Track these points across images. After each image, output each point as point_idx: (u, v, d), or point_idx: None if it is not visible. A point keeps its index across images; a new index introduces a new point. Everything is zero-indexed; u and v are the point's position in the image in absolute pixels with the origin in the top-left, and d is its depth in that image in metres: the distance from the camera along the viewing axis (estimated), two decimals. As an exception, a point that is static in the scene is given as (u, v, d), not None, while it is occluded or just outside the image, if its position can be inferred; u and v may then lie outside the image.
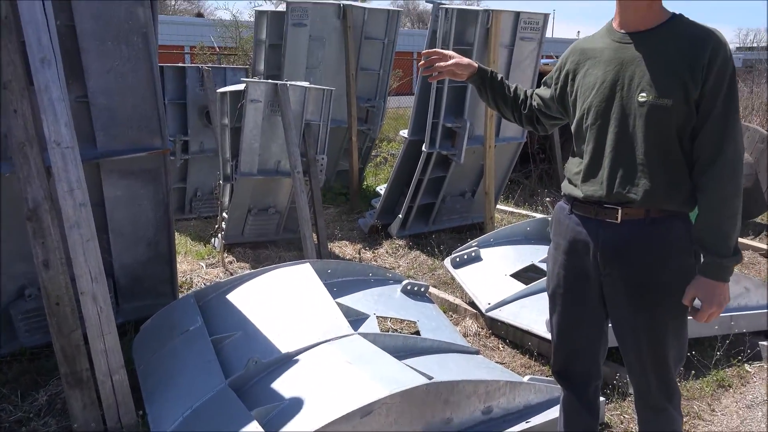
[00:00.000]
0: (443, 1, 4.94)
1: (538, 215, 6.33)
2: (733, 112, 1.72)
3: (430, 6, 5.11)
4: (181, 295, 3.68)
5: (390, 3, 49.78)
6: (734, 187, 1.74)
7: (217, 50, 12.87)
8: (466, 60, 2.15)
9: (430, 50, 2.20)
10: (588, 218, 1.90)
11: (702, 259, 1.79)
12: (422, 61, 2.21)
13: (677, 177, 1.78)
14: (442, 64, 2.14)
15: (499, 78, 2.18)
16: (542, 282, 3.57)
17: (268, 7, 7.17)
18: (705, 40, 1.70)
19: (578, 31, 49.41)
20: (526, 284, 3.63)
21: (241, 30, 12.79)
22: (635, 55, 1.77)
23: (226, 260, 4.88)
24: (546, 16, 5.17)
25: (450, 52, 2.17)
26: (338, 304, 2.94)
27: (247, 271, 3.24)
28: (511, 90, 2.18)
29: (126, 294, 3.48)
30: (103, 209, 3.20)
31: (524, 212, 6.45)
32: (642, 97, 1.74)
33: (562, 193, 2.05)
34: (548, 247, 4.06)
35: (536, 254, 4.00)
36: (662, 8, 1.79)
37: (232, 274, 4.66)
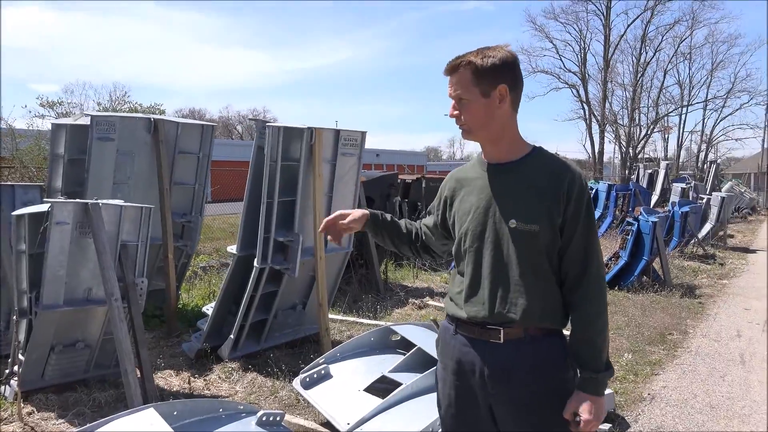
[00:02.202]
0: (267, 120, 5.01)
1: (366, 320, 6.44)
2: (593, 234, 1.93)
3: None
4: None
5: (175, 112, 49.27)
6: (601, 304, 1.92)
7: (-12, 162, 11.34)
8: (359, 212, 2.20)
9: (328, 220, 2.19)
10: (473, 339, 1.97)
11: (578, 375, 1.92)
12: (321, 230, 2.22)
13: (551, 296, 1.93)
14: (342, 222, 2.17)
15: (390, 218, 2.26)
16: (398, 393, 3.58)
17: (68, 119, 6.57)
18: (564, 173, 1.91)
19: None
20: (382, 398, 3.58)
21: (18, 140, 11.47)
22: (504, 185, 1.95)
23: (24, 411, 4.06)
24: (363, 133, 5.52)
25: (341, 212, 2.21)
26: (192, 451, 2.60)
27: (73, 430, 2.73)
28: (403, 227, 2.27)
29: None
30: None
31: (352, 319, 6.50)
32: (512, 223, 1.90)
33: (445, 313, 2.10)
34: (398, 356, 4.11)
35: (384, 364, 4.00)
36: (524, 143, 2.00)
37: (33, 429, 3.90)
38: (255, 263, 4.89)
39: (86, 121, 5.81)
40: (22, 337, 4.39)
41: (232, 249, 5.16)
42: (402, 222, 2.28)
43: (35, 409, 4.15)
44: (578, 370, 1.91)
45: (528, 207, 1.89)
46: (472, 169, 2.07)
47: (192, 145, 6.36)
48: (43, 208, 4.28)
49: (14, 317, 4.32)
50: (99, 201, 4.30)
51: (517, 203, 1.91)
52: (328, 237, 2.21)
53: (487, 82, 1.90)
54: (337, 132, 5.34)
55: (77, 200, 4.36)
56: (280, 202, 4.91)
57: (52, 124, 5.97)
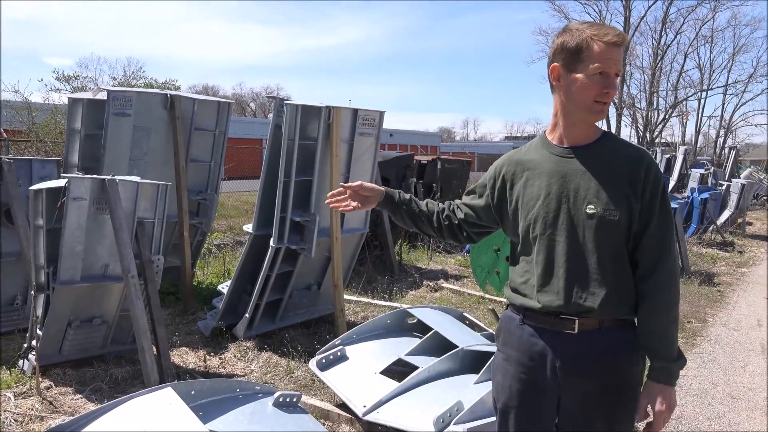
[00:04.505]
0: (286, 98, 4.94)
1: (380, 302, 6.41)
2: (669, 223, 1.85)
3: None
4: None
5: (189, 88, 49.19)
6: (674, 294, 1.84)
7: (5, 136, 11.38)
8: (368, 184, 2.13)
9: (350, 186, 2.13)
10: (544, 329, 1.88)
11: (650, 364, 1.85)
12: (329, 200, 2.15)
13: (627, 284, 1.84)
14: (353, 185, 2.11)
15: (408, 197, 2.17)
16: (415, 377, 3.55)
17: (85, 94, 6.54)
18: (640, 159, 1.83)
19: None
20: (399, 381, 3.56)
21: (35, 114, 11.47)
22: (578, 168, 1.85)
23: (42, 386, 4.09)
24: (381, 113, 5.43)
25: (352, 184, 2.13)
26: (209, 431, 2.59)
27: (93, 407, 2.73)
28: (424, 206, 2.17)
29: None
30: None
31: (366, 300, 6.48)
32: (590, 209, 1.80)
33: (507, 303, 2.02)
34: (415, 340, 4.06)
35: (400, 347, 3.98)
36: (597, 126, 1.91)
37: (51, 403, 3.92)
38: (271, 243, 4.85)
39: (104, 96, 5.78)
40: (39, 311, 4.41)
41: (248, 228, 5.13)
42: (424, 201, 2.19)
43: (53, 384, 4.18)
44: (651, 360, 1.85)
45: (606, 192, 1.80)
46: (534, 152, 1.96)
47: (208, 122, 6.31)
48: (61, 183, 4.27)
49: (32, 292, 4.33)
50: (116, 177, 4.28)
51: (594, 188, 1.82)
52: (337, 205, 2.13)
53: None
54: (355, 111, 5.25)
55: (94, 176, 4.34)
56: (297, 181, 4.86)
57: (69, 98, 5.95)
